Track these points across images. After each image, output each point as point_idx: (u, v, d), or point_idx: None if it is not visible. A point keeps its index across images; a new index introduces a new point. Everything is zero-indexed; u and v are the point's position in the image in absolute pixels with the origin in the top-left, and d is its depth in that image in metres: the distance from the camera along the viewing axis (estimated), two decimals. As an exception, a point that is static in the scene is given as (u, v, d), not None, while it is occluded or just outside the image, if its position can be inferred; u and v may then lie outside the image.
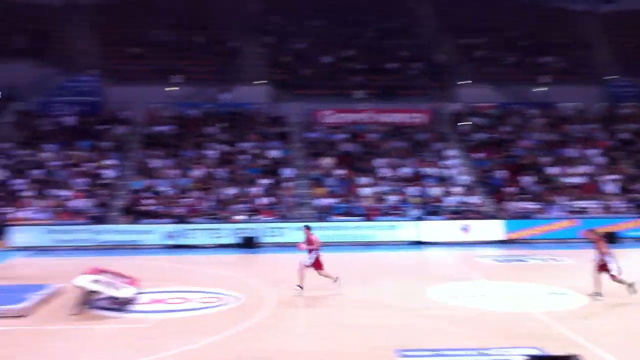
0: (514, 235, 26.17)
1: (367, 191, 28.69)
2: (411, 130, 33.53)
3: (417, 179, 29.65)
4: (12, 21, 36.98)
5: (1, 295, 15.78)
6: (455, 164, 31.01)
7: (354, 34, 40.00)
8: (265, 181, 29.00)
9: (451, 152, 31.85)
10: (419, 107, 34.96)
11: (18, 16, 37.77)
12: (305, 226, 17.36)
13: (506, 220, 26.63)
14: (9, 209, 26.42)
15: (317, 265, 17.00)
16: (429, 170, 30.22)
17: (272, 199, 27.88)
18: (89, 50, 37.52)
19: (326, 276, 17.06)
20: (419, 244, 25.88)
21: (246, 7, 41.78)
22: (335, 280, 16.98)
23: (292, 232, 25.72)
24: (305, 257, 16.98)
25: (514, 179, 29.81)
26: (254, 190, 28.37)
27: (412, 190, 28.75)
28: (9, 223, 25.41)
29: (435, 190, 28.82)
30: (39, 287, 16.40)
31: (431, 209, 27.71)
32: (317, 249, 16.91)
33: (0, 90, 34.94)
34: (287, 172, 29.92)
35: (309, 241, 16.94)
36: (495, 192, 29.22)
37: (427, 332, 13.53)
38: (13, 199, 27.38)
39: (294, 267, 21.66)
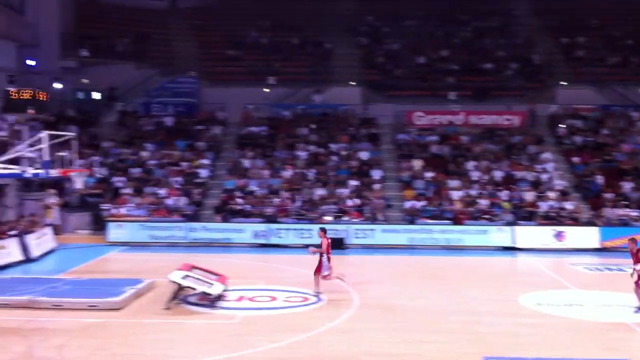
0: (609, 244, 25.01)
1: (457, 194, 28.21)
2: (505, 133, 32.71)
3: (510, 183, 28.89)
4: (115, 25, 38.70)
5: (98, 288, 16.56)
6: (551, 168, 30.00)
7: (449, 34, 39.46)
8: (354, 182, 29.04)
9: (547, 156, 30.82)
10: (514, 109, 34.05)
11: (121, 20, 39.52)
12: (321, 229, 17.32)
13: (602, 228, 25.51)
14: (108, 206, 27.64)
15: (317, 269, 16.84)
16: (522, 174, 29.38)
17: (361, 201, 27.88)
18: (188, 53, 38.78)
19: (317, 283, 16.88)
20: (510, 249, 25.21)
21: (340, 8, 42.00)
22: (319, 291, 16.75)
23: (380, 234, 25.71)
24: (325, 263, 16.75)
25: (613, 185, 28.53)
26: (343, 191, 28.46)
27: (504, 194, 28.04)
28: (108, 219, 26.57)
29: (529, 195, 27.97)
30: (133, 282, 17.11)
31: (524, 214, 26.93)
32: (325, 253, 16.74)
33: (103, 91, 36.69)
34: (376, 173, 29.85)
35: (322, 245, 16.77)
36: (592, 197, 28.06)
37: (517, 340, 13.23)
38: (113, 196, 28.64)
39: (381, 269, 21.79)
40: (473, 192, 28.29)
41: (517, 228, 25.65)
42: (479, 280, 19.66)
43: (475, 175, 29.55)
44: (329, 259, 16.89)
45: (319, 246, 16.96)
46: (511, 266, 23.40)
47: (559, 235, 25.33)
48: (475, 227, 25.89)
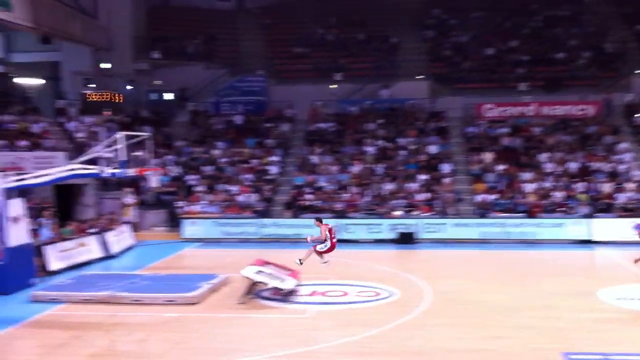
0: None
1: (530, 187, 27.62)
2: (579, 123, 31.80)
3: (586, 175, 28.07)
4: (185, 26, 39.57)
5: (175, 283, 17.02)
6: (629, 158, 28.99)
7: (518, 24, 38.61)
8: (423, 177, 28.82)
9: (624, 146, 29.80)
10: (588, 99, 33.06)
11: (191, 21, 40.38)
12: (316, 218, 17.44)
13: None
14: (182, 203, 28.32)
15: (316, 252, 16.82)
16: (598, 165, 28.51)
17: (431, 195, 27.65)
18: (256, 52, 39.29)
19: (319, 255, 16.85)
20: (587, 243, 24.51)
21: (406, 2, 41.67)
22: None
23: (451, 228, 25.43)
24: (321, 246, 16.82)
25: (695, 174, 27.38)
26: (412, 185, 28.30)
27: (579, 186, 27.29)
28: (182, 216, 27.23)
29: (606, 187, 27.13)
30: (208, 277, 17.50)
31: (601, 206, 26.13)
32: (322, 242, 16.73)
33: (175, 92, 37.62)
34: (445, 167, 29.53)
35: (322, 233, 16.78)
36: (674, 188, 27.01)
37: (597, 336, 12.90)
38: (186, 193, 29.34)
39: (452, 264, 21.58)
40: (547, 185, 27.65)
41: (594, 221, 24.92)
42: (556, 274, 19.21)
43: (548, 167, 28.86)
44: (332, 244, 16.84)
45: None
46: (589, 260, 22.77)
47: (638, 228, 24.43)
48: (550, 220, 25.27)
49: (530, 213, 26.20)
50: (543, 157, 29.44)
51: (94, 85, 35.47)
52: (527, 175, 28.34)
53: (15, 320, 13.84)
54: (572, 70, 35.25)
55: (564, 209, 26.20)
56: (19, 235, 17.24)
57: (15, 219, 17.22)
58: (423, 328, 13.61)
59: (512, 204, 26.84)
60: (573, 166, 28.68)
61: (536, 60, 35.99)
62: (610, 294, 16.22)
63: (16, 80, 34.63)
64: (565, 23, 38.20)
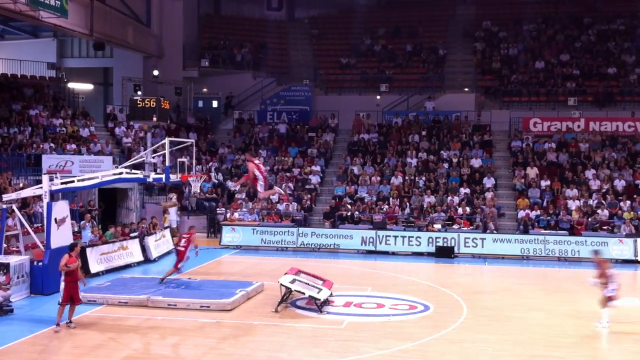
0: None
1: (574, 204, 27.08)
2: (627, 140, 31.07)
3: (633, 193, 27.41)
4: (235, 35, 40.11)
5: (211, 289, 17.20)
6: (679, 178, 28.22)
7: (570, 37, 38.02)
8: (465, 190, 28.54)
9: (674, 165, 29.02)
10: (638, 115, 32.28)
11: (241, 30, 40.95)
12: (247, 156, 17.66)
13: None
14: (223, 210, 28.61)
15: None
16: (647, 184, 27.83)
17: (471, 209, 27.35)
18: (304, 61, 39.57)
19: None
20: (632, 262, 23.87)
21: (457, 13, 41.48)
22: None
23: (491, 243, 25.04)
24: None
25: None
26: (453, 199, 28.04)
27: (626, 204, 26.64)
28: (222, 223, 27.50)
29: (654, 206, 26.47)
30: (244, 284, 17.66)
31: (647, 226, 25.51)
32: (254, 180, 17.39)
33: (221, 100, 38.10)
34: (488, 181, 29.17)
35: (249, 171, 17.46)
36: None
37: (636, 357, 12.57)
38: (228, 200, 29.64)
39: (491, 279, 21.29)
40: (592, 202, 27.08)
41: (639, 240, 24.26)
42: (597, 294, 18.74)
43: (594, 184, 28.26)
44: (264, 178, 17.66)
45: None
46: (633, 280, 22.17)
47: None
48: (594, 238, 24.69)
49: (573, 230, 25.68)
50: (589, 173, 28.85)
51: (142, 92, 36.21)
52: (571, 192, 27.81)
53: (54, 321, 14.16)
54: (623, 85, 34.51)
55: (608, 227, 25.61)
56: (61, 237, 17.64)
57: (59, 221, 17.63)
58: (460, 343, 13.47)
59: (555, 221, 26.36)
60: (619, 184, 28.03)
61: (587, 74, 35.38)
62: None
63: (67, 84, 35.53)
64: (619, 37, 37.45)
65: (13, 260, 16.79)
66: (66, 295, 14.11)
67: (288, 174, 31.12)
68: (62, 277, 14.23)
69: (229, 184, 16.49)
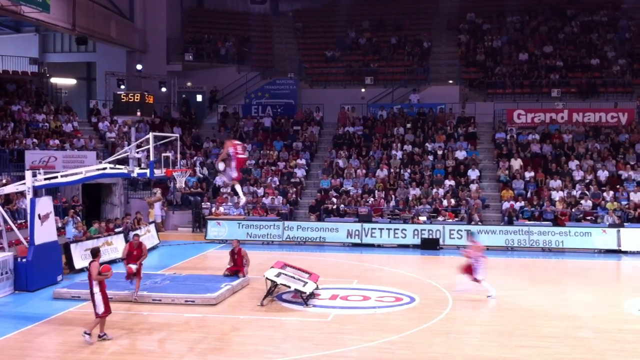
0: None
1: (558, 195, 27.27)
2: (611, 131, 31.31)
3: (616, 183, 27.64)
4: (219, 29, 39.91)
5: (195, 284, 17.16)
6: (661, 168, 28.48)
7: (553, 30, 38.20)
8: (450, 182, 28.66)
9: (657, 155, 29.30)
10: (621, 106, 32.54)
11: (225, 24, 40.75)
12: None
13: None
14: (208, 204, 28.52)
15: None
16: (629, 174, 28.02)
17: (456, 201, 27.47)
18: (288, 54, 39.48)
19: None
20: (614, 252, 24.10)
21: (441, 6, 41.56)
22: None
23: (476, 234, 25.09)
24: None
25: None
26: (438, 191, 28.14)
27: (609, 195, 26.86)
28: (208, 217, 27.42)
29: (636, 196, 26.67)
30: (229, 278, 17.62)
31: (630, 216, 25.70)
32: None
33: (205, 94, 37.94)
34: (473, 173, 29.29)
35: None
36: None
37: (621, 347, 12.77)
38: (213, 195, 29.56)
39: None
40: (575, 193, 27.28)
41: (622, 230, 24.49)
42: (582, 284, 18.96)
43: (578, 175, 28.47)
44: (238, 160, 18.13)
45: None
46: (616, 270, 22.43)
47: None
48: (578, 228, 24.90)
49: (557, 221, 25.87)
50: (572, 164, 29.06)
51: (126, 86, 35.98)
52: (555, 183, 28.00)
53: (38, 317, 14.09)
54: (606, 76, 34.75)
55: (591, 217, 25.83)
56: (45, 233, 17.54)
57: (43, 217, 17.52)
58: (444, 335, 13.55)
59: (539, 212, 26.54)
60: (603, 174, 28.25)
61: (570, 66, 35.59)
62: (637, 305, 15.95)
63: (50, 80, 35.22)
64: (602, 29, 37.68)
65: (-4, 257, 16.67)
66: (107, 305, 12.97)
67: (273, 168, 31.09)
68: (96, 289, 12.88)
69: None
